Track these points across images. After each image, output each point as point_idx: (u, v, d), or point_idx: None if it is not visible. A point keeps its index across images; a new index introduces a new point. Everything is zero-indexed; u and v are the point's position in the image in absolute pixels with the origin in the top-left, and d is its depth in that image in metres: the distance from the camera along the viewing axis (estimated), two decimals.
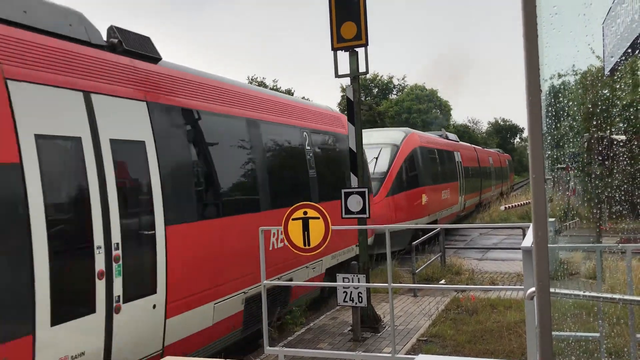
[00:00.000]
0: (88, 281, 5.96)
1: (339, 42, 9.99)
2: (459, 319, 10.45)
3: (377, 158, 17.64)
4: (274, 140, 10.46)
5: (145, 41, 7.73)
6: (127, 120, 6.86)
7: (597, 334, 5.44)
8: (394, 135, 19.56)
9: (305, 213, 7.75)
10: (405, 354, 8.43)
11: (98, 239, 6.09)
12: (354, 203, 9.58)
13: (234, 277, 8.53)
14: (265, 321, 7.85)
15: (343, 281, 8.74)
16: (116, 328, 6.26)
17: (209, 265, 7.96)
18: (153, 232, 6.93)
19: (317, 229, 7.67)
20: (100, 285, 6.06)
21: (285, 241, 7.80)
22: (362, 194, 9.54)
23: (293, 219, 7.76)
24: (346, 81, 10.46)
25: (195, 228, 7.78)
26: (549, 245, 1.73)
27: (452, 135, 30.75)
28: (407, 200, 18.34)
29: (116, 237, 6.31)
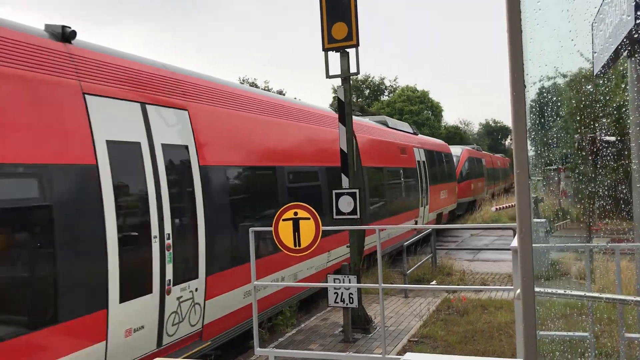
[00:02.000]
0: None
1: (330, 42, 9.98)
2: (449, 319, 10.45)
3: None
4: (445, 158, 26.26)
5: (416, 127, 25.18)
6: (419, 154, 20.96)
7: (587, 334, 5.45)
8: (457, 149, 33.79)
9: (295, 214, 7.69)
10: (396, 355, 8.42)
11: None
12: (345, 204, 9.56)
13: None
14: (255, 322, 7.81)
15: (334, 282, 8.72)
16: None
17: None
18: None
19: (307, 229, 7.62)
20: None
21: (276, 242, 7.74)
22: (352, 195, 9.51)
23: (283, 220, 7.70)
24: (337, 82, 10.46)
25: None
26: (533, 245, 1.72)
27: (477, 147, 46.65)
28: (465, 186, 32.40)
29: None
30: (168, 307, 7.22)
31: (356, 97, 64.77)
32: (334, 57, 10.19)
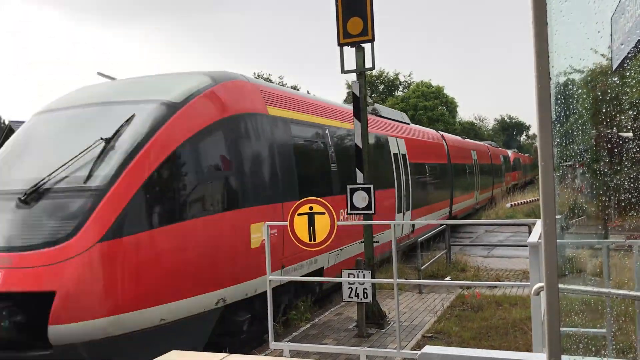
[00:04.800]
0: None
1: (345, 37, 9.94)
2: (464, 315, 10.42)
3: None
4: (507, 158, 51.01)
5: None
6: (501, 157, 45.98)
7: (604, 330, 5.40)
8: (509, 152, 54.32)
9: (311, 208, 7.70)
10: (410, 350, 8.41)
11: None
12: (360, 199, 9.54)
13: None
14: (270, 316, 7.84)
15: (348, 277, 8.72)
16: None
17: None
18: None
19: (322, 224, 7.63)
20: None
21: (291, 236, 7.75)
22: (367, 190, 9.49)
23: (299, 214, 7.71)
24: (352, 77, 10.44)
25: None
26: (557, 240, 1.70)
27: (517, 150, 70.84)
28: (514, 175, 53.39)
29: None
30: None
31: (370, 92, 64.58)
32: (349, 52, 10.17)
